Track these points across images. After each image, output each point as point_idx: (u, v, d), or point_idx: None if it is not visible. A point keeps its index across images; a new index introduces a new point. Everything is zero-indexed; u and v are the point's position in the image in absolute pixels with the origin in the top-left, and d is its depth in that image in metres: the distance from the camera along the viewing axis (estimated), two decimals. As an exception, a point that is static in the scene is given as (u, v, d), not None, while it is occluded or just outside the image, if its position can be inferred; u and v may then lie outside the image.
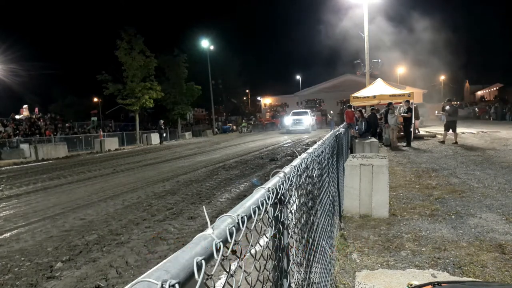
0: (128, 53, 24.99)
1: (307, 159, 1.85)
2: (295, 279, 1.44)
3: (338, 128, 5.57)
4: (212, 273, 0.64)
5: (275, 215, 1.13)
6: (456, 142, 12.01)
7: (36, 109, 33.95)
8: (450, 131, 12.51)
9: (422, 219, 4.43)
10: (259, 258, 1.02)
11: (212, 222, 0.72)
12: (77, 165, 13.74)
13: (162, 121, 27.14)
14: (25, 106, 33.02)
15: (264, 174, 8.82)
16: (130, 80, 25.15)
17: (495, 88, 46.92)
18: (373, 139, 10.58)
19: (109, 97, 27.13)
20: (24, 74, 36.99)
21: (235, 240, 0.74)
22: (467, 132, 16.30)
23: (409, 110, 13.06)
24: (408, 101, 13.53)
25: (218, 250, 0.65)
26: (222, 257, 0.66)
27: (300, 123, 26.62)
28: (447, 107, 12.53)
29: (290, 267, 1.30)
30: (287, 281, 1.25)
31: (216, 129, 38.12)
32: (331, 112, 31.80)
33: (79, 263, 3.81)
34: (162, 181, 8.54)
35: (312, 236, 1.98)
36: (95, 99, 50.42)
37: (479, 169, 7.40)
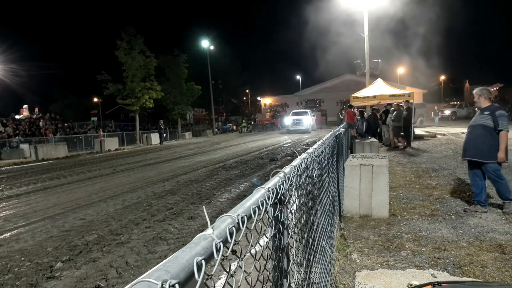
0: (128, 53, 25.00)
1: (307, 159, 1.85)
2: (295, 279, 1.44)
3: (338, 128, 5.57)
4: (212, 273, 0.64)
5: (275, 215, 1.13)
6: (404, 147, 12.27)
7: (36, 109, 33.93)
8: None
9: (422, 219, 4.43)
10: (259, 258, 1.02)
11: (212, 222, 0.72)
12: (77, 165, 13.74)
13: (162, 121, 27.14)
14: (25, 106, 33.01)
15: (264, 174, 8.82)
16: (130, 80, 25.15)
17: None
18: (373, 139, 10.58)
19: (109, 97, 27.15)
20: (24, 74, 37.05)
21: (235, 240, 0.74)
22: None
23: (406, 109, 13.07)
24: (407, 101, 13.54)
25: (218, 250, 0.65)
26: (222, 257, 0.66)
27: (300, 123, 26.60)
28: (395, 113, 12.63)
29: (290, 267, 1.30)
30: (287, 281, 1.25)
31: (216, 129, 38.12)
32: (343, 112, 31.60)
33: (79, 263, 3.81)
34: (162, 181, 8.54)
35: (312, 236, 1.98)
36: (95, 99, 50.40)
37: (479, 169, 7.40)
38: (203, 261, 0.59)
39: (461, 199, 5.21)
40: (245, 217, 0.82)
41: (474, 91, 4.65)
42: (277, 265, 1.18)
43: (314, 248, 2.03)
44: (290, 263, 1.30)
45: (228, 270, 0.73)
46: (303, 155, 1.88)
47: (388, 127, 13.14)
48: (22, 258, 4.03)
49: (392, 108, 12.84)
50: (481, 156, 4.39)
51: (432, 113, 26.95)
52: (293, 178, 1.39)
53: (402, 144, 12.36)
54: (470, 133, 4.59)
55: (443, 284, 1.47)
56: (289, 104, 41.08)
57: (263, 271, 1.02)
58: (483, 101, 4.51)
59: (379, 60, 18.01)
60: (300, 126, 26.47)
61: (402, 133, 13.63)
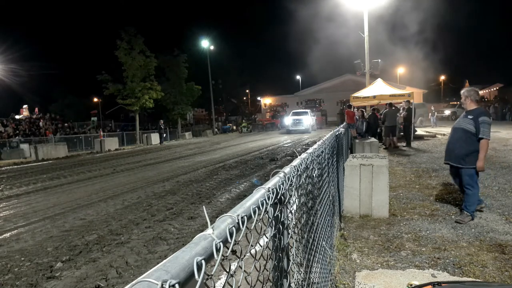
0: (128, 53, 25.00)
1: (307, 159, 1.85)
2: (295, 279, 1.44)
3: (338, 128, 5.57)
4: (212, 273, 0.64)
5: (275, 215, 1.13)
6: (396, 147, 12.37)
7: (36, 109, 33.96)
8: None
9: (422, 219, 4.43)
10: (259, 258, 1.02)
11: (212, 222, 0.72)
12: (77, 165, 13.74)
13: (162, 121, 27.14)
14: (25, 106, 33.05)
15: (264, 174, 8.82)
16: (130, 80, 25.15)
17: (495, 88, 46.88)
18: (373, 139, 10.58)
19: (109, 97, 27.15)
20: (24, 74, 37.08)
21: (235, 240, 0.74)
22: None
23: (407, 110, 13.09)
24: (408, 101, 13.54)
25: (218, 250, 0.65)
26: (222, 257, 0.66)
27: (300, 123, 26.59)
28: (384, 112, 12.64)
29: (290, 267, 1.30)
30: (287, 281, 1.25)
31: (216, 129, 38.13)
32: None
33: (79, 263, 3.81)
34: (162, 181, 8.54)
35: (312, 236, 1.98)
36: (95, 99, 50.41)
37: (479, 169, 7.39)
38: (203, 261, 0.59)
39: (461, 199, 5.21)
40: (245, 217, 0.82)
41: (462, 92, 4.40)
42: (277, 265, 1.18)
43: (314, 248, 2.03)
44: (290, 263, 1.30)
45: (228, 270, 0.73)
46: (303, 155, 1.87)
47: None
48: (22, 258, 4.03)
49: (385, 111, 12.92)
50: (458, 161, 4.22)
51: (429, 113, 27.03)
52: (293, 178, 1.39)
53: (393, 144, 12.40)
54: (452, 136, 4.41)
55: (443, 284, 1.47)
56: (289, 104, 41.07)
57: (263, 271, 1.02)
58: (470, 103, 4.27)
59: (379, 60, 17.99)
60: (300, 126, 26.46)
61: (402, 133, 13.66)
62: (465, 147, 4.15)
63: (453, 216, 4.47)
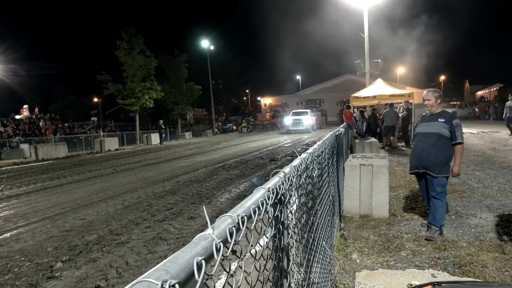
0: (128, 53, 24.98)
1: (307, 159, 1.85)
2: (295, 279, 1.44)
3: (338, 128, 5.57)
4: (212, 273, 0.64)
5: (275, 215, 1.13)
6: (394, 147, 12.39)
7: (36, 109, 33.92)
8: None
9: (422, 219, 4.43)
10: (259, 258, 1.02)
11: (212, 222, 0.72)
12: (77, 165, 13.74)
13: (162, 121, 27.13)
14: (25, 106, 33.00)
15: (264, 174, 8.82)
16: (130, 80, 25.14)
17: (495, 88, 46.89)
18: (373, 139, 10.58)
19: (109, 97, 27.15)
20: (24, 74, 37.09)
21: (235, 240, 0.74)
22: (467, 132, 16.29)
23: (407, 110, 13.10)
24: (407, 101, 13.54)
25: (218, 250, 0.65)
26: (222, 257, 0.66)
27: (300, 123, 26.59)
28: (385, 111, 12.68)
29: (290, 267, 1.30)
30: (287, 281, 1.25)
31: (216, 129, 38.13)
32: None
33: (79, 263, 3.81)
34: (162, 181, 8.54)
35: (312, 236, 1.98)
36: (95, 99, 50.45)
37: (479, 169, 7.40)
38: (203, 261, 0.59)
39: (461, 199, 5.21)
40: (245, 217, 0.82)
41: (428, 94, 3.97)
42: (277, 265, 1.18)
43: (314, 248, 2.03)
44: (290, 263, 1.30)
45: (228, 270, 0.73)
46: (303, 155, 1.87)
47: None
48: (22, 258, 4.03)
49: (383, 111, 12.96)
50: (434, 170, 3.80)
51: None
52: (293, 178, 1.39)
53: (392, 144, 12.41)
54: (425, 143, 3.90)
55: (443, 284, 1.47)
56: (289, 104, 41.06)
57: (263, 271, 1.02)
58: (439, 104, 3.93)
59: (379, 60, 17.97)
60: (300, 126, 26.46)
61: (401, 133, 13.65)
62: (442, 154, 3.79)
63: (453, 216, 4.48)
